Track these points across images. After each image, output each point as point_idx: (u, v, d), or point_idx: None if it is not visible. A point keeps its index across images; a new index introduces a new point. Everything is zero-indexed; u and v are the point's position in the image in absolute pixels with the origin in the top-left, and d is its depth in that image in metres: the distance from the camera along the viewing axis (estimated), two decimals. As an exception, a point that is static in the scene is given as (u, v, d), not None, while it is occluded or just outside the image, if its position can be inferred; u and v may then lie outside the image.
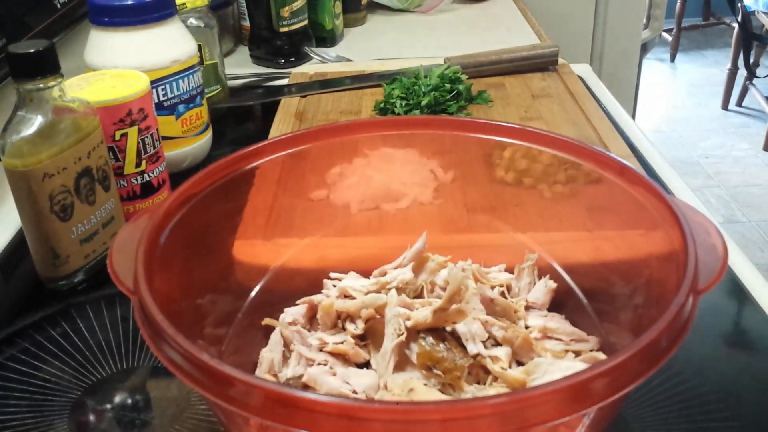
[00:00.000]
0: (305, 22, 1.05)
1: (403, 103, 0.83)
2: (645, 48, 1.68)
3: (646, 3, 1.63)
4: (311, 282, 0.51)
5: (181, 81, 0.74)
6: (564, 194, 0.50)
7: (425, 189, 0.53)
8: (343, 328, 0.47)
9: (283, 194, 0.51)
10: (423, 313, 0.44)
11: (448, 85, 0.84)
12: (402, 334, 0.43)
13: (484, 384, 0.43)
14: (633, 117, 1.32)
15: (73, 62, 0.73)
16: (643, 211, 0.42)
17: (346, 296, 0.49)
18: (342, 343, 0.45)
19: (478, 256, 0.52)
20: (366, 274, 0.51)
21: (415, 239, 0.50)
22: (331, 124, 0.52)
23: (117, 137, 0.62)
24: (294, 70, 0.99)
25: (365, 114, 0.85)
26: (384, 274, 0.50)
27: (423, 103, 0.82)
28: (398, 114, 0.82)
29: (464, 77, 0.86)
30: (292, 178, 0.51)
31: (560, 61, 0.96)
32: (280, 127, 0.82)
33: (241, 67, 1.05)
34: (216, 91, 0.89)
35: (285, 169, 0.50)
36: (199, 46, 0.79)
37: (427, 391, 0.41)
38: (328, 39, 1.12)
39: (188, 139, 0.76)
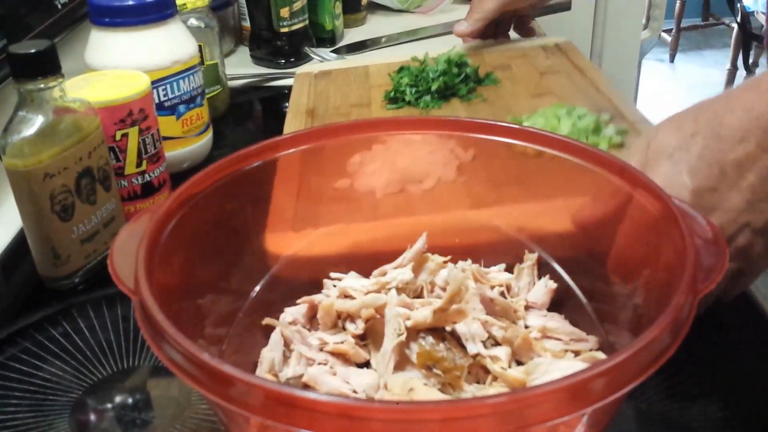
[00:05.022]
0: (305, 23, 1.05)
1: (413, 90, 0.83)
2: (644, 48, 1.68)
3: (646, 3, 1.63)
4: (312, 281, 0.52)
5: (181, 81, 0.74)
6: (564, 194, 0.50)
7: (448, 168, 0.53)
8: (344, 328, 0.47)
9: (307, 188, 0.51)
10: (423, 313, 0.44)
11: (455, 69, 0.84)
12: (402, 333, 0.43)
13: (484, 384, 0.43)
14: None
15: (73, 62, 0.73)
16: (643, 210, 0.42)
17: (346, 296, 0.49)
18: (342, 342, 0.45)
19: (477, 256, 0.52)
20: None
21: (444, 218, 0.50)
22: (332, 128, 0.52)
23: (118, 137, 0.62)
24: (298, 70, 0.99)
25: (375, 106, 0.84)
26: (384, 274, 0.50)
27: (433, 88, 0.82)
28: (409, 101, 0.82)
29: (470, 60, 0.87)
30: (312, 171, 0.51)
31: (564, 39, 0.96)
32: (293, 124, 0.81)
33: (241, 67, 1.05)
34: (216, 92, 0.89)
35: (305, 164, 0.50)
36: (200, 46, 0.79)
37: (427, 391, 0.41)
38: (328, 39, 1.12)
39: (189, 140, 0.76)
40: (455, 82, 0.84)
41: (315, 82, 0.92)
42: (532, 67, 0.90)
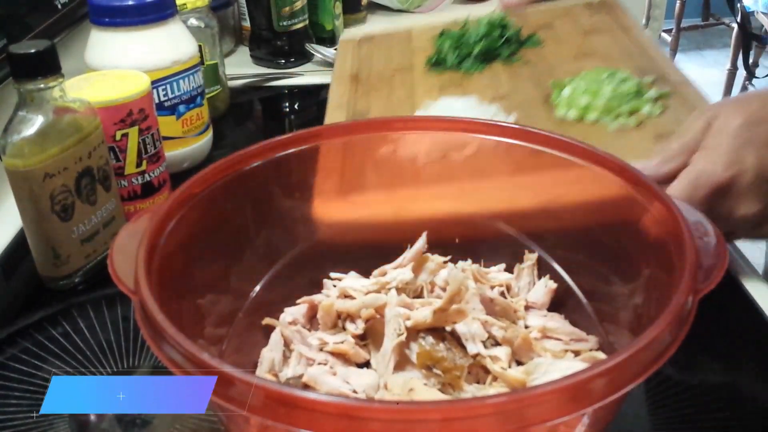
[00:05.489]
0: (305, 23, 1.05)
1: (455, 54, 0.83)
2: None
3: (646, 3, 1.62)
4: (311, 281, 0.52)
5: (181, 81, 0.74)
6: (563, 194, 0.50)
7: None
8: (344, 328, 0.47)
9: (352, 157, 0.52)
10: (423, 313, 0.44)
11: (497, 32, 0.84)
12: (402, 334, 0.44)
13: (484, 384, 0.43)
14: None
15: (73, 62, 0.73)
16: (642, 210, 0.42)
17: (346, 296, 0.49)
18: (342, 342, 0.45)
19: (477, 256, 0.52)
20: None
21: (486, 184, 0.51)
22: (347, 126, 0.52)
23: (118, 137, 0.62)
24: (342, 36, 0.98)
25: (418, 70, 0.84)
26: (384, 274, 0.50)
27: (475, 51, 0.82)
28: (451, 65, 0.82)
29: (512, 22, 0.87)
30: (355, 144, 0.52)
31: None
32: (338, 90, 0.81)
33: (241, 67, 1.05)
34: (216, 92, 0.89)
35: (347, 144, 0.51)
36: (200, 46, 0.79)
37: (427, 391, 0.41)
38: (328, 39, 1.12)
39: (189, 140, 0.76)
40: (497, 45, 0.83)
41: (358, 48, 0.92)
42: (576, 26, 0.88)
